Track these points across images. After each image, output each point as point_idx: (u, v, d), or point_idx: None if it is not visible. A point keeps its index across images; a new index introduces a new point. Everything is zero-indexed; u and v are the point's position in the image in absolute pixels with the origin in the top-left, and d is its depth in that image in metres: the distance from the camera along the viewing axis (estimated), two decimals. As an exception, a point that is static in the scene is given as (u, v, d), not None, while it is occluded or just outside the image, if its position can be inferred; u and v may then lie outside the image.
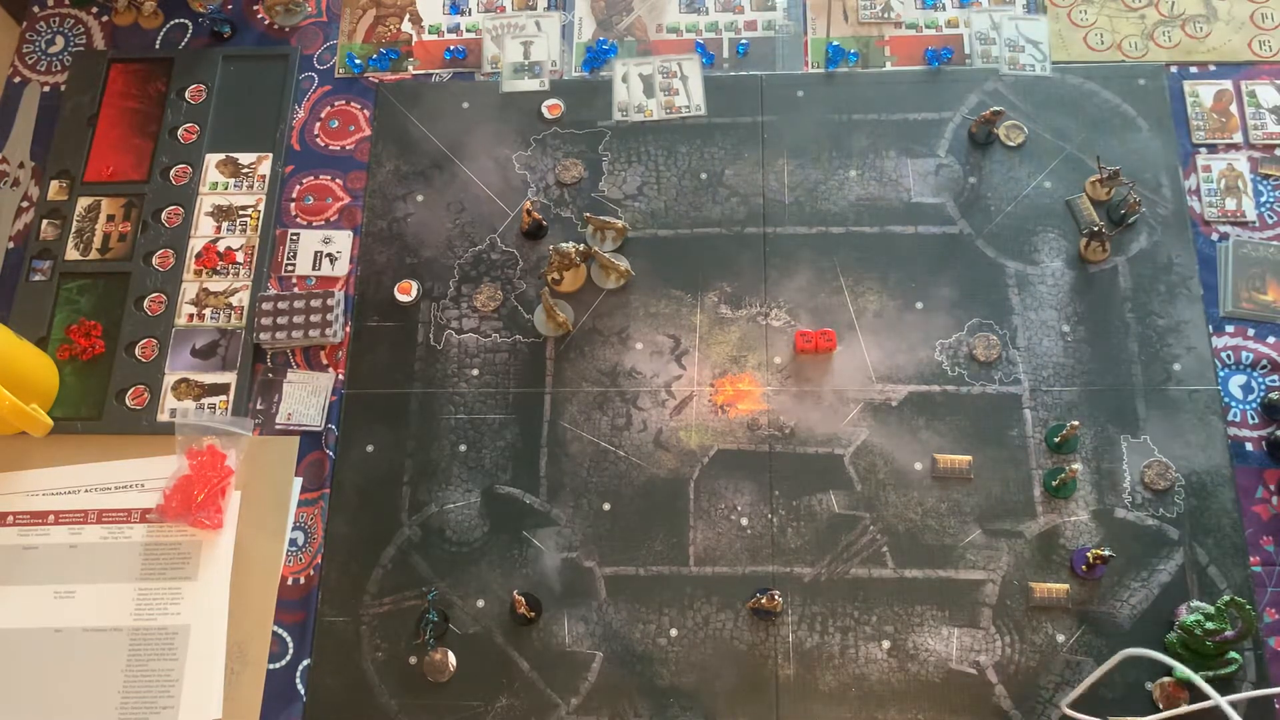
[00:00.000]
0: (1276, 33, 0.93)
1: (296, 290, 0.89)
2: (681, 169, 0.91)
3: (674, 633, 0.77)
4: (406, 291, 0.88)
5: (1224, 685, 0.73)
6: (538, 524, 0.81)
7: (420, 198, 0.92)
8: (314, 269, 0.90)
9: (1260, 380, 0.82)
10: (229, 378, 0.86)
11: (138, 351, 0.88)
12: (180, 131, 0.95)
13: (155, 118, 0.96)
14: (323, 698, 0.77)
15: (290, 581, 0.80)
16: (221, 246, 0.91)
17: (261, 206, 0.92)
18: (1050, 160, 0.89)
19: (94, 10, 1.02)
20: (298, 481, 0.83)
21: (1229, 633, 0.70)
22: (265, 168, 0.93)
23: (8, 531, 0.83)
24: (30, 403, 0.82)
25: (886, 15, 0.96)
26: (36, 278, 0.91)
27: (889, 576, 0.78)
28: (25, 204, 0.94)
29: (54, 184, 0.94)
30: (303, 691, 0.77)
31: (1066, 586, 0.76)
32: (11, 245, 0.93)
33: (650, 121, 0.93)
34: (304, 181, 0.93)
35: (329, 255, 0.90)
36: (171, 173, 0.94)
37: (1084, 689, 0.72)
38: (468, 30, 0.98)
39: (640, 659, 0.77)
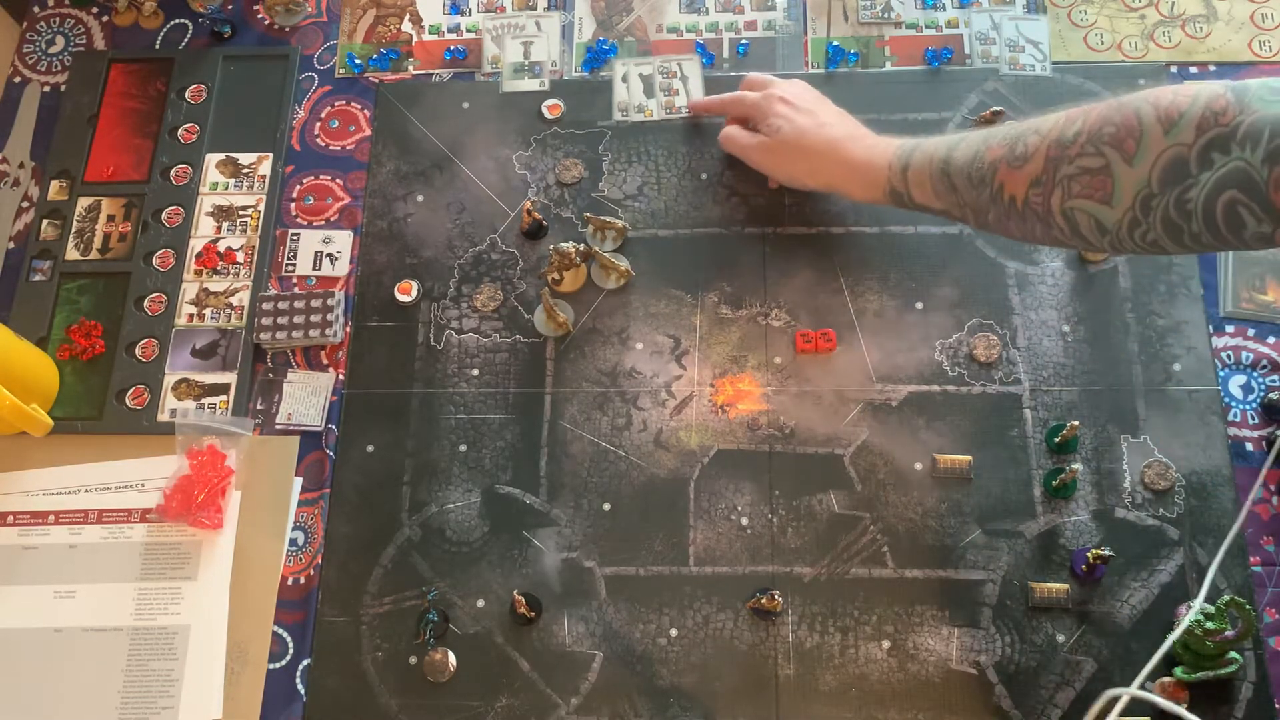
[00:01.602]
0: (1276, 33, 0.93)
1: (296, 290, 0.89)
2: (681, 169, 0.91)
3: (674, 633, 0.77)
4: (406, 291, 0.88)
5: (1225, 685, 0.73)
6: (538, 524, 0.81)
7: (420, 198, 0.92)
8: (314, 269, 0.90)
9: (1260, 380, 0.82)
10: (229, 378, 0.86)
11: (138, 351, 0.88)
12: (180, 131, 0.95)
13: (155, 118, 0.96)
14: (323, 698, 0.77)
15: (290, 581, 0.80)
16: (221, 246, 0.91)
17: (261, 206, 0.92)
18: (1050, 160, 0.89)
19: (94, 10, 1.02)
20: (298, 481, 0.83)
21: (1229, 633, 0.70)
22: (265, 168, 0.93)
23: (8, 531, 0.83)
24: (30, 403, 0.82)
25: (886, 15, 0.96)
26: (36, 278, 0.91)
27: (889, 576, 0.78)
28: (25, 204, 0.94)
29: (54, 184, 0.94)
30: (303, 691, 0.77)
31: (1066, 586, 0.76)
32: (11, 245, 0.93)
33: (650, 121, 0.93)
34: (304, 181, 0.93)
35: (329, 255, 0.90)
36: (171, 173, 0.94)
37: None
38: (468, 30, 0.98)
39: (640, 659, 0.77)
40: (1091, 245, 0.65)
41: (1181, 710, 0.64)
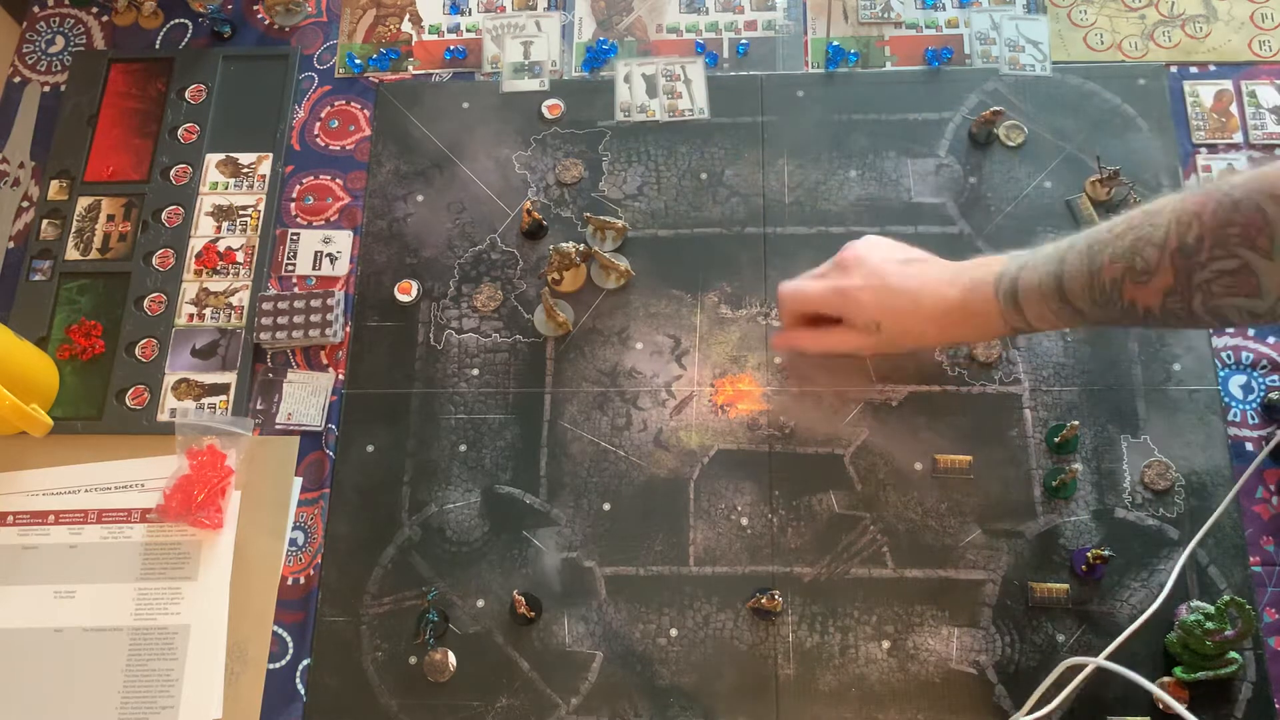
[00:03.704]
0: (1276, 33, 0.93)
1: (296, 290, 0.89)
2: (681, 169, 0.91)
3: (674, 633, 0.77)
4: (406, 291, 0.88)
5: (1224, 685, 0.73)
6: (538, 524, 0.81)
7: (420, 198, 0.92)
8: (314, 269, 0.90)
9: (1260, 380, 0.82)
10: (229, 378, 0.86)
11: (138, 351, 0.88)
12: (180, 131, 0.95)
13: (155, 118, 0.96)
14: (323, 698, 0.77)
15: (290, 581, 0.80)
16: (221, 246, 0.91)
17: (261, 206, 0.92)
18: (1050, 160, 0.89)
19: (94, 10, 1.02)
20: (298, 481, 0.83)
21: (1229, 633, 0.70)
22: (265, 168, 0.93)
23: (8, 531, 0.83)
24: (30, 403, 0.82)
25: (886, 15, 0.96)
26: (36, 278, 0.91)
27: (889, 576, 0.78)
28: (25, 204, 0.94)
29: (54, 184, 0.94)
30: (303, 691, 0.77)
31: (1066, 586, 0.76)
32: (11, 245, 0.93)
33: (650, 121, 0.93)
34: (304, 181, 0.93)
35: (329, 255, 0.90)
36: (171, 173, 0.94)
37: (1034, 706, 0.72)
38: (468, 30, 0.98)
39: (640, 659, 0.77)
40: (1243, 326, 0.69)
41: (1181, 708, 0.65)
